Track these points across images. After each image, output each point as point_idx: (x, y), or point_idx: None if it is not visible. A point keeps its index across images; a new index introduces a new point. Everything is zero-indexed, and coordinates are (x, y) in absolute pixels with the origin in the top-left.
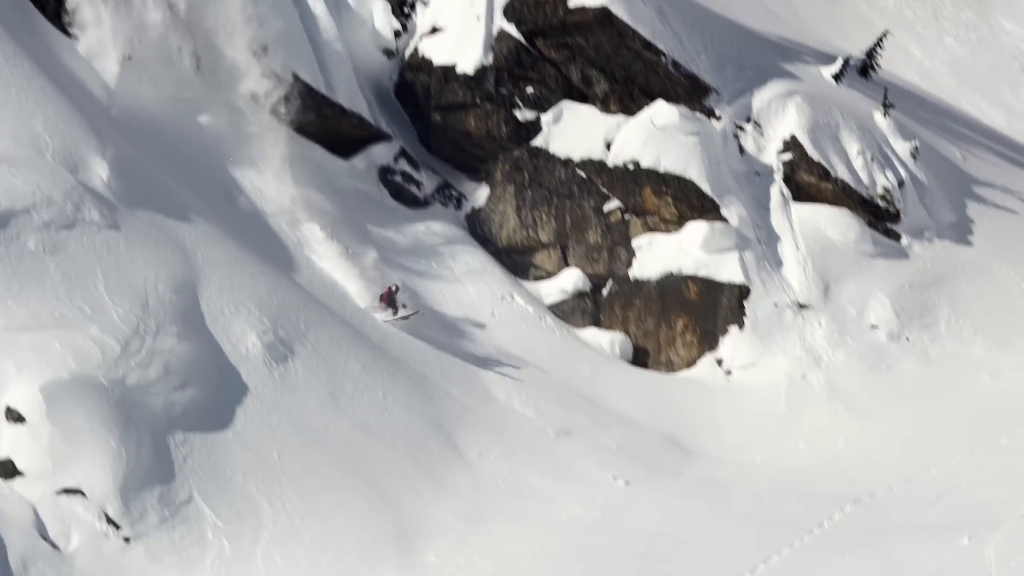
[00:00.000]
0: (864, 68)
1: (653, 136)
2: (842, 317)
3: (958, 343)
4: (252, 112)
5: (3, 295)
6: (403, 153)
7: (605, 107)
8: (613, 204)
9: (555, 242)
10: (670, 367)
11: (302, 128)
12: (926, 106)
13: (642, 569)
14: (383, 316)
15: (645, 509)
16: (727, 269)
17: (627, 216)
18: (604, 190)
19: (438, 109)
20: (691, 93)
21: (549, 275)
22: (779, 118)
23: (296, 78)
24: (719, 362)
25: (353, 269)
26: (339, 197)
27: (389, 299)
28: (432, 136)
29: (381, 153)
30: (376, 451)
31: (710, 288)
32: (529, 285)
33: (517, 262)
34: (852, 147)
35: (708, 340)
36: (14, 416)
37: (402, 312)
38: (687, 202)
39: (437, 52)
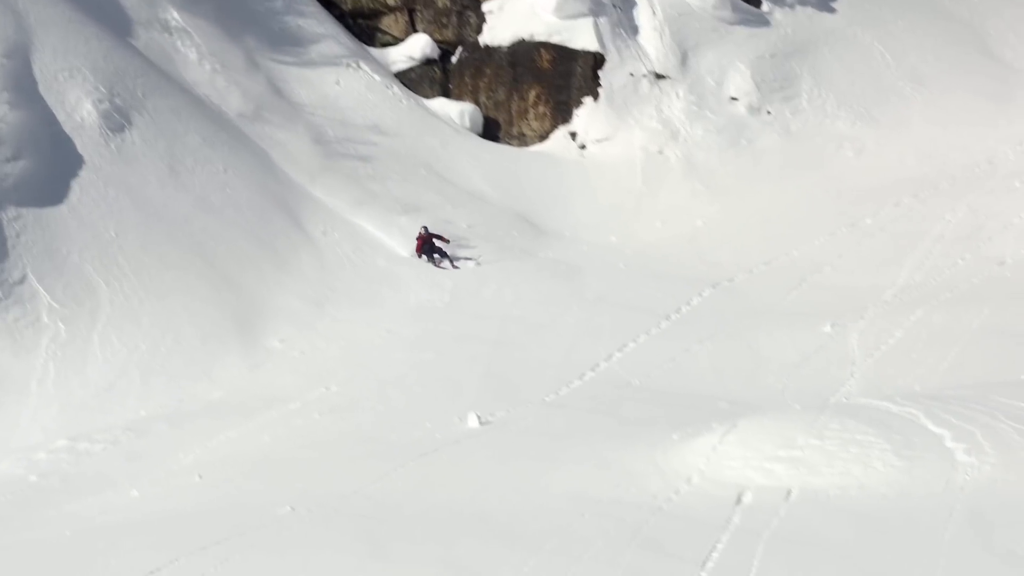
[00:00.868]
0: None
1: None
2: (700, 88)
3: (820, 117)
4: None
5: None
6: None
7: None
8: None
9: (402, 5)
10: (522, 140)
11: None
12: None
13: (493, 355)
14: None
15: (496, 292)
16: (581, 36)
17: None
18: None
19: None
20: None
21: (396, 41)
22: None
23: None
24: (573, 135)
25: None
26: None
27: (425, 246)
28: None
29: None
30: (217, 229)
31: (563, 56)
32: (376, 52)
33: (363, 27)
34: None
35: (561, 112)
36: None
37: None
38: None
39: None
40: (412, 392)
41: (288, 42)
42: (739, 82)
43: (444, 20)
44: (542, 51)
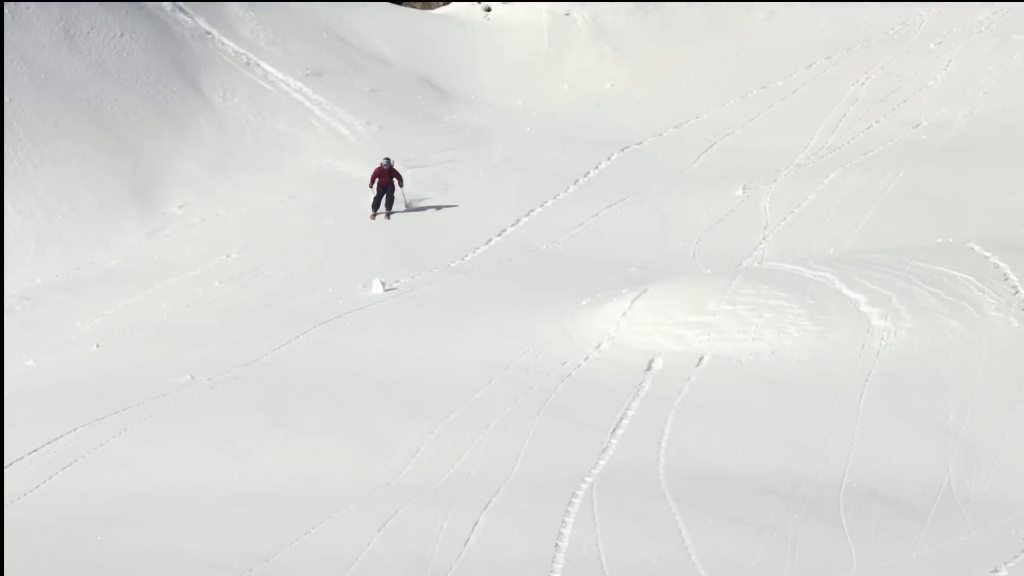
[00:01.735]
0: None
1: None
2: None
3: None
4: None
5: None
6: None
7: None
8: None
9: None
10: (425, 3)
11: None
12: None
13: (396, 221)
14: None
15: (401, 157)
16: None
17: None
18: None
19: None
20: None
21: None
22: None
23: None
24: None
25: None
26: None
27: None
28: None
29: None
30: (114, 94)
31: None
32: None
33: None
34: None
35: None
36: None
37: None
38: None
39: None
40: (314, 259)
41: None
42: None
43: None
44: None
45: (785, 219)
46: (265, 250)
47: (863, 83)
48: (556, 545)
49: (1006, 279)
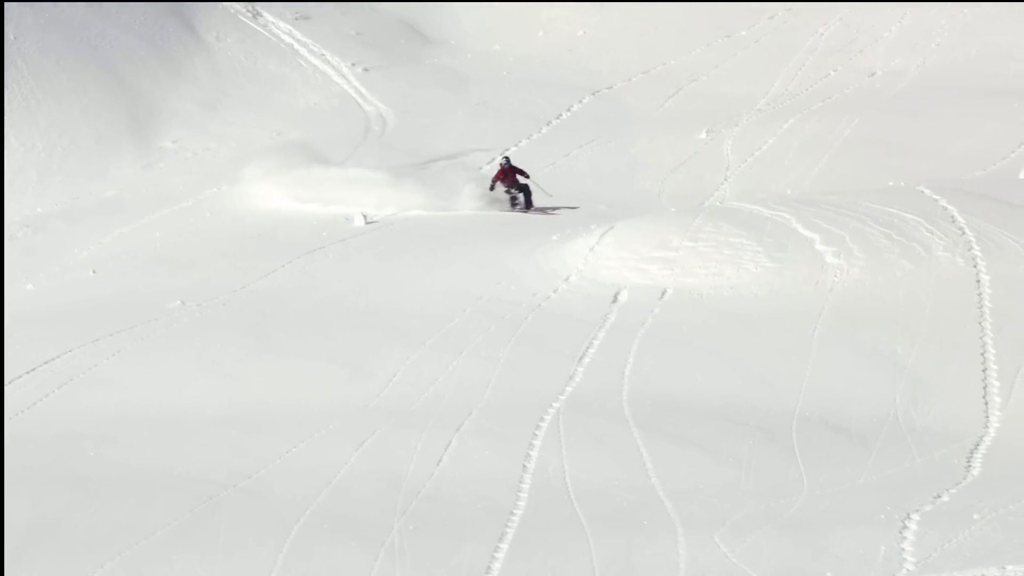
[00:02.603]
0: None
1: None
2: None
3: None
4: None
5: None
6: None
7: None
8: None
9: None
10: None
11: None
12: None
13: (380, 156)
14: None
15: (384, 97)
16: None
17: None
18: None
19: None
20: None
21: None
22: None
23: None
24: None
25: None
26: None
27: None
28: None
29: None
30: (113, 34)
31: None
32: None
33: None
34: None
35: None
36: None
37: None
38: None
39: None
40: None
41: None
42: None
43: None
44: None
45: (746, 161)
46: (253, 183)
47: (822, 33)
48: (524, 466)
49: (953, 221)
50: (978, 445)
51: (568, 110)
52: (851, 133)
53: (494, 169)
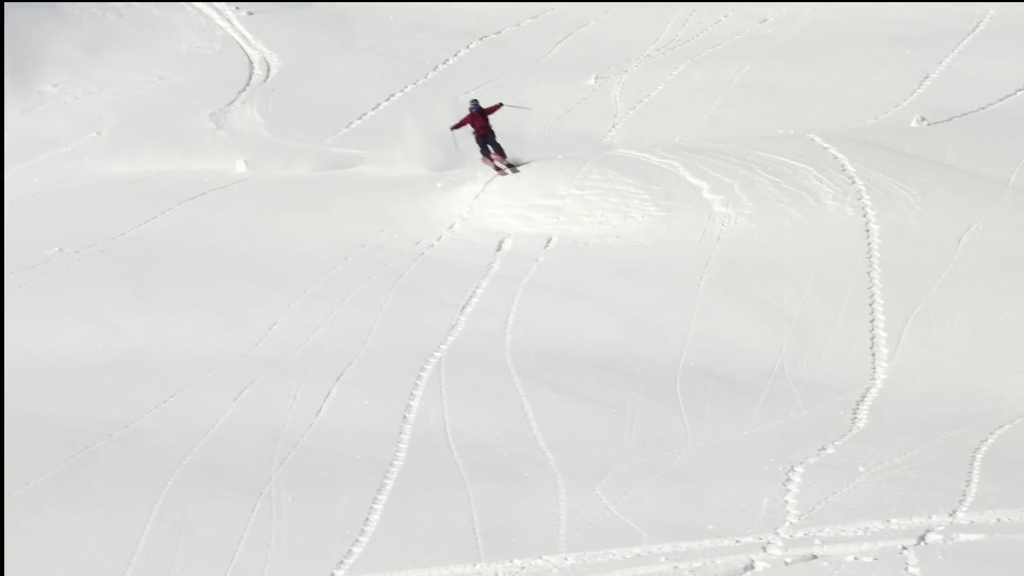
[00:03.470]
0: None
1: None
2: None
3: None
4: None
5: None
6: None
7: None
8: None
9: None
10: None
11: None
12: None
13: (261, 101)
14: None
15: (268, 42)
16: None
17: None
18: None
19: None
20: None
21: None
22: None
23: None
24: None
25: None
26: None
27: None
28: None
29: None
30: None
31: None
32: None
33: None
34: None
35: None
36: None
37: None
38: None
39: None
40: (181, 136)
41: None
42: None
43: None
44: None
45: (634, 108)
46: (134, 128)
47: None
48: (404, 417)
49: (843, 170)
50: (864, 397)
51: (455, 55)
52: (741, 80)
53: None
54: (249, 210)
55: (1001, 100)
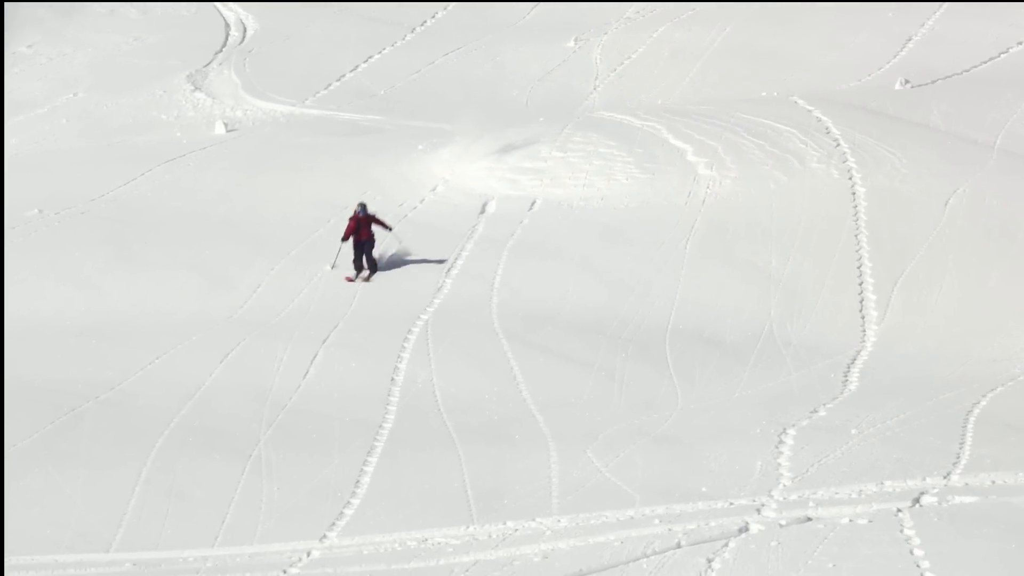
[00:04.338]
0: None
1: None
2: None
3: None
4: None
5: None
6: None
7: None
8: None
9: None
10: None
11: None
12: None
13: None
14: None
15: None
16: None
17: None
18: None
19: None
20: None
21: None
22: None
23: None
24: None
25: None
26: None
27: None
28: None
29: None
30: None
31: None
32: None
33: None
34: None
35: None
36: None
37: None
38: None
39: None
40: (158, 96)
41: None
42: None
43: None
44: None
45: (615, 70)
46: (110, 88)
47: None
48: (392, 379)
49: (828, 132)
50: (855, 359)
51: (433, 17)
52: (723, 42)
53: None
54: (229, 172)
55: (984, 63)
